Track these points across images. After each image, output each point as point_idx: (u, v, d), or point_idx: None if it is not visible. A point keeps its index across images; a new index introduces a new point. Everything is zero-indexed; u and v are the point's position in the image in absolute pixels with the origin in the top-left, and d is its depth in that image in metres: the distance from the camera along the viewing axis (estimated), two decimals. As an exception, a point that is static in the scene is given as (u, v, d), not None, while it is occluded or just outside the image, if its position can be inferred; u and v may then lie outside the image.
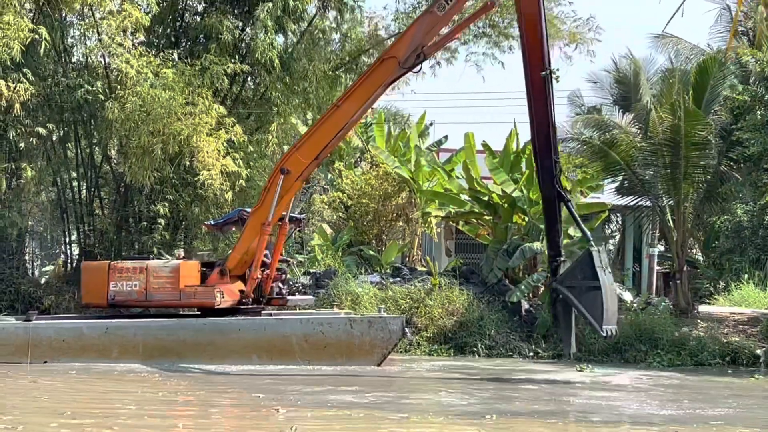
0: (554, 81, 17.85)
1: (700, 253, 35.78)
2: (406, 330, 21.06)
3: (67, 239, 29.12)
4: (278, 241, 21.29)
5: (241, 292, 20.97)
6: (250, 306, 21.21)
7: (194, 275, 20.95)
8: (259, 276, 21.01)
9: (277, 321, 20.81)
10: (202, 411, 14.47)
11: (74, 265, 27.98)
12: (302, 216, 24.34)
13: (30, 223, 28.86)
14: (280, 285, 21.61)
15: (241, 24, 26.78)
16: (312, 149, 20.15)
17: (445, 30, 19.89)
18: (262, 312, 21.51)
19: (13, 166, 25.80)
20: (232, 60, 25.68)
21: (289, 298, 21.55)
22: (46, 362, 19.45)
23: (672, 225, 26.94)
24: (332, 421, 13.22)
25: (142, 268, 21.03)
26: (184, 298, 20.71)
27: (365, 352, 20.45)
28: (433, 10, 18.07)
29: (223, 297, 20.56)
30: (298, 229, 23.86)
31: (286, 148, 30.53)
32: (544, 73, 17.78)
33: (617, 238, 39.03)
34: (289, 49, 27.43)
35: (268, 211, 20.14)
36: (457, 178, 29.25)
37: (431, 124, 36.81)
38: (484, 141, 29.69)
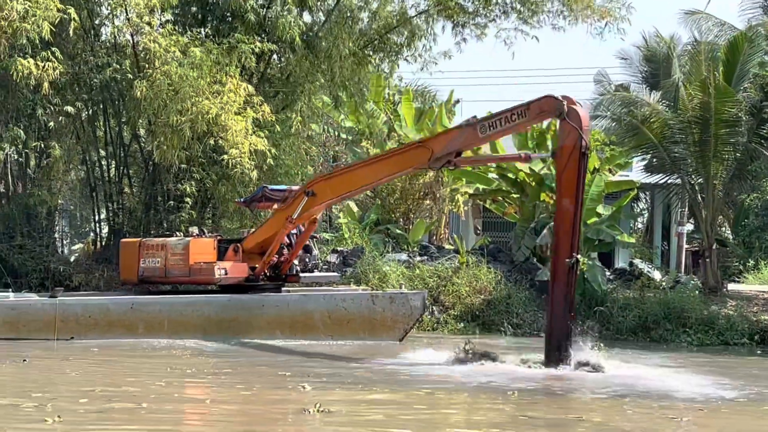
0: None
1: (729, 231, 35.74)
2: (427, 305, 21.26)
3: (97, 218, 29.29)
4: (306, 231, 21.42)
5: (252, 269, 21.22)
6: (270, 283, 21.44)
7: (208, 252, 21.15)
8: (275, 259, 21.26)
9: (301, 297, 21.02)
10: (228, 387, 14.62)
11: (103, 243, 28.19)
12: None
13: (60, 201, 28.97)
14: (306, 260, 21.88)
15: (265, 2, 26.80)
16: (340, 186, 20.40)
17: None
18: (284, 289, 21.72)
19: (43, 145, 25.97)
20: (259, 38, 25.77)
21: (303, 275, 21.72)
22: (72, 338, 19.68)
23: (701, 203, 26.92)
24: (358, 396, 13.35)
25: (163, 246, 21.35)
26: (193, 275, 20.95)
27: (387, 327, 20.64)
28: (475, 127, 18.01)
29: (225, 274, 20.75)
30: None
31: (314, 127, 30.68)
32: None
33: (646, 216, 38.99)
34: (314, 28, 27.47)
35: (294, 211, 20.29)
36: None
37: (458, 102, 36.77)
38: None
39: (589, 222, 26.06)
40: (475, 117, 18.13)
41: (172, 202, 26.02)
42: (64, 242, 33.88)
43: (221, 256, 21.19)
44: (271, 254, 21.10)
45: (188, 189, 25.39)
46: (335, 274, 23.75)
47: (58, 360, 16.98)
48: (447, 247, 28.75)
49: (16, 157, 25.40)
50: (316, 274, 22.28)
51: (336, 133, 34.16)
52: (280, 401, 12.64)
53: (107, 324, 19.90)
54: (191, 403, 12.90)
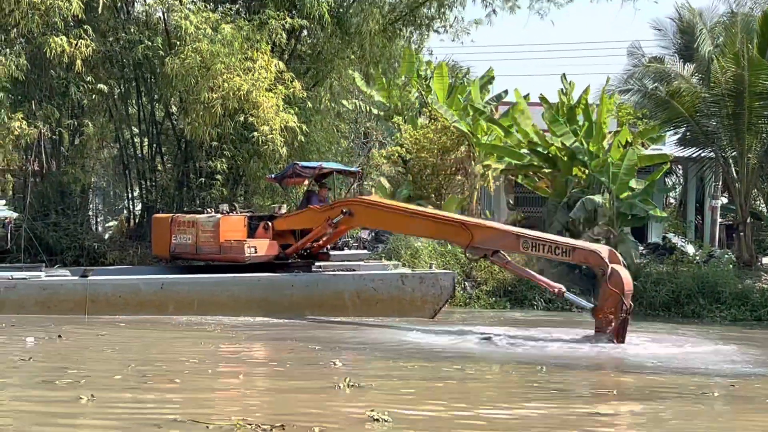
0: None
1: (764, 205, 35.39)
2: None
3: (130, 195, 29.46)
4: (341, 231, 21.41)
5: (283, 247, 21.26)
6: (300, 261, 21.46)
7: (239, 229, 21.17)
8: (309, 246, 21.35)
9: (330, 277, 20.93)
10: (260, 364, 14.68)
11: (137, 220, 28.33)
12: (357, 168, 24.45)
13: (93, 179, 29.12)
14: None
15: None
16: (377, 220, 20.79)
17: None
18: (313, 267, 21.76)
19: (76, 123, 26.08)
20: (289, 14, 25.72)
21: (333, 253, 21.70)
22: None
23: (735, 176, 26.69)
24: (389, 371, 13.35)
25: (194, 222, 21.39)
26: (222, 252, 20.98)
27: (417, 308, 20.59)
28: (519, 237, 18.06)
29: (255, 252, 20.76)
30: (355, 181, 24.05)
31: (345, 103, 30.62)
32: None
33: (679, 190, 38.73)
34: (344, 4, 27.38)
35: (336, 217, 20.32)
36: (515, 132, 29.12)
37: (493, 79, 36.59)
38: (541, 94, 29.59)
39: (621, 196, 25.95)
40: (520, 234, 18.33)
41: (203, 179, 26.09)
42: (98, 219, 34.09)
43: (252, 233, 21.20)
44: (306, 243, 21.20)
45: (219, 166, 25.43)
46: (365, 251, 23.70)
47: (92, 337, 17.07)
48: (485, 218, 28.60)
49: (49, 136, 25.49)
50: (346, 251, 22.23)
51: (367, 109, 34.07)
52: (312, 377, 12.65)
53: (137, 304, 19.91)
54: (224, 379, 12.92)
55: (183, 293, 20.18)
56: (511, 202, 33.32)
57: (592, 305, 17.46)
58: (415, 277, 20.97)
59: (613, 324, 16.69)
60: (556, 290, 18.15)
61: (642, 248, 27.80)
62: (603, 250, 17.31)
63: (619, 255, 17.45)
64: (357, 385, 11.46)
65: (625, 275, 16.89)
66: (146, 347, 15.80)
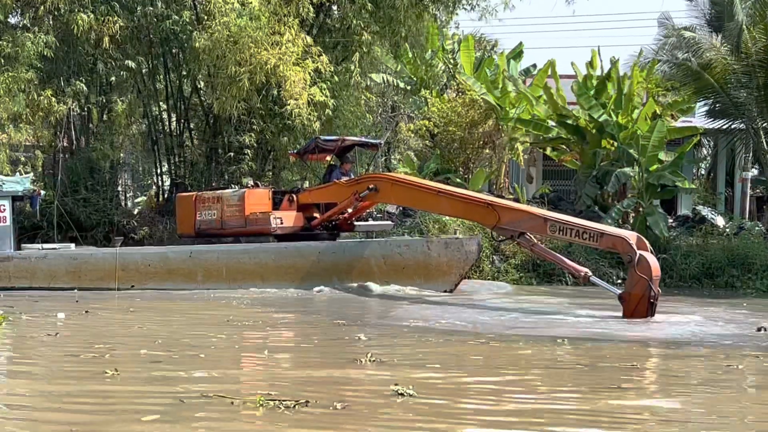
0: None
1: (795, 177, 34.97)
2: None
3: (159, 170, 29.48)
4: (368, 204, 21.38)
5: (308, 219, 21.26)
6: (325, 233, 21.55)
7: (264, 203, 21.23)
8: (334, 219, 21.36)
9: (357, 244, 21.08)
10: (285, 339, 14.59)
11: (166, 196, 28.35)
12: (378, 141, 24.34)
13: (122, 155, 29.22)
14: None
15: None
16: (402, 197, 20.68)
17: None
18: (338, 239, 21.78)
19: (104, 100, 26.10)
20: (318, -12, 25.56)
21: (357, 224, 21.78)
22: (133, 287, 19.82)
23: (766, 148, 26.34)
24: (412, 346, 13.23)
25: (218, 198, 21.52)
26: (249, 225, 21.08)
27: (442, 272, 20.55)
28: (547, 221, 17.85)
29: (281, 223, 20.81)
30: (376, 153, 24.07)
31: (373, 77, 30.43)
32: None
33: (709, 162, 38.33)
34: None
35: (362, 191, 20.23)
36: (543, 103, 28.85)
37: (521, 54, 36.26)
38: (572, 62, 29.28)
39: (651, 169, 25.67)
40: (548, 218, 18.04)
41: (232, 153, 26.05)
42: (127, 195, 34.18)
43: (276, 206, 21.23)
44: (332, 215, 21.24)
45: (248, 140, 25.38)
46: (389, 222, 23.77)
47: (119, 311, 17.08)
48: (507, 196, 28.43)
49: (78, 112, 25.50)
50: (371, 222, 22.31)
51: (395, 83, 33.88)
52: (336, 353, 12.55)
53: (166, 272, 20.08)
54: (249, 354, 12.85)
55: (211, 261, 20.37)
56: (533, 175, 33.03)
57: (619, 291, 17.27)
58: (441, 242, 21.00)
59: (639, 308, 16.54)
60: (581, 274, 18.01)
61: (671, 220, 27.50)
62: (631, 236, 17.14)
63: (646, 241, 17.24)
64: (379, 360, 11.31)
65: (653, 261, 16.71)
66: (173, 322, 15.76)
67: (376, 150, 23.72)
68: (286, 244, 20.75)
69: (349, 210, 21.19)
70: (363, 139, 24.12)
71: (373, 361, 11.25)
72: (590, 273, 18.07)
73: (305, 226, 21.32)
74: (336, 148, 22.06)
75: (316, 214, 21.48)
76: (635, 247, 16.70)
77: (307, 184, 22.50)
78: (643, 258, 16.59)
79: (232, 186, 22.22)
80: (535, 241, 18.94)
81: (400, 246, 20.87)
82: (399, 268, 20.52)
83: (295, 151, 23.31)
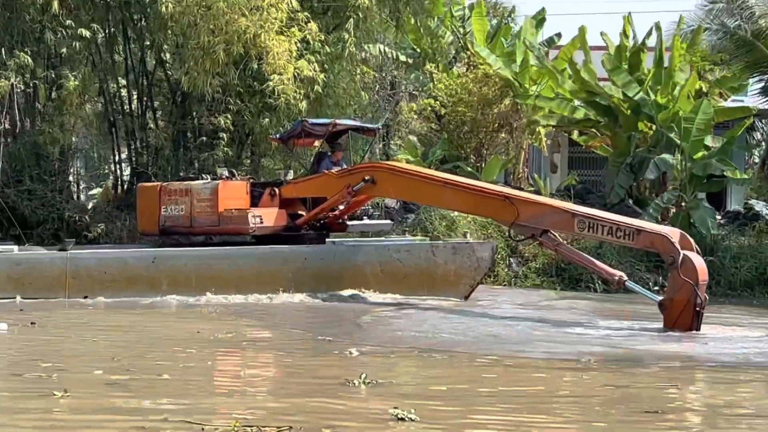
0: None
1: None
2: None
3: (117, 158, 29.36)
4: (363, 199, 21.28)
5: (292, 216, 21.15)
6: (313, 233, 21.43)
7: (240, 197, 21.12)
8: (323, 216, 21.26)
9: (349, 248, 20.93)
10: (265, 354, 14.52)
11: (125, 187, 28.27)
12: (376, 126, 24.27)
13: (74, 139, 29.10)
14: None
15: None
16: (404, 190, 20.64)
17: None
18: (327, 239, 21.71)
19: (54, 75, 25.99)
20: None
21: (350, 223, 21.63)
22: (86, 297, 19.69)
23: (830, 132, 26.32)
24: (414, 365, 13.18)
25: (187, 190, 21.33)
26: (222, 224, 20.92)
27: (449, 283, 20.49)
28: (574, 216, 17.82)
29: (260, 222, 20.68)
30: (373, 139, 24.01)
31: (368, 48, 30.35)
32: None
33: (764, 148, 38.26)
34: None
35: (357, 184, 20.14)
36: (569, 79, 28.78)
37: (544, 20, 36.18)
38: (602, 32, 29.15)
39: (695, 156, 25.62)
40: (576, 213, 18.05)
41: (204, 138, 25.98)
42: (80, 187, 34.06)
43: (255, 201, 21.13)
44: (320, 213, 21.10)
45: (223, 122, 25.31)
46: (387, 221, 23.68)
47: (72, 323, 17.00)
48: (527, 188, 28.41)
49: (23, 89, 25.41)
50: (366, 222, 22.15)
51: (395, 55, 33.82)
52: (323, 370, 12.50)
53: (126, 280, 19.91)
54: (223, 373, 12.81)
55: (179, 268, 20.19)
56: (557, 164, 33.00)
57: (660, 298, 17.21)
58: (448, 248, 20.91)
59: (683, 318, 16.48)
60: (616, 278, 17.97)
61: (719, 217, 27.46)
62: (673, 233, 17.08)
63: (691, 239, 17.19)
64: (374, 382, 11.25)
65: (699, 263, 16.68)
66: (133, 335, 15.67)
67: (374, 136, 23.66)
68: (267, 248, 20.61)
69: (341, 206, 21.09)
70: (358, 123, 24.03)
71: (368, 383, 11.17)
72: (625, 277, 18.01)
73: (289, 226, 21.18)
74: (326, 133, 21.96)
75: (302, 211, 21.33)
76: (678, 246, 16.63)
77: (291, 176, 22.29)
78: (688, 259, 16.52)
79: (204, 176, 22.05)
80: (561, 240, 18.88)
81: (400, 251, 20.75)
82: (398, 278, 20.43)
83: (277, 136, 23.18)
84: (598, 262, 18.91)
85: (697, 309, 16.41)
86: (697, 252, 17.03)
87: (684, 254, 16.54)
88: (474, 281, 20.71)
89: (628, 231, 17.33)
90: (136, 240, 23.99)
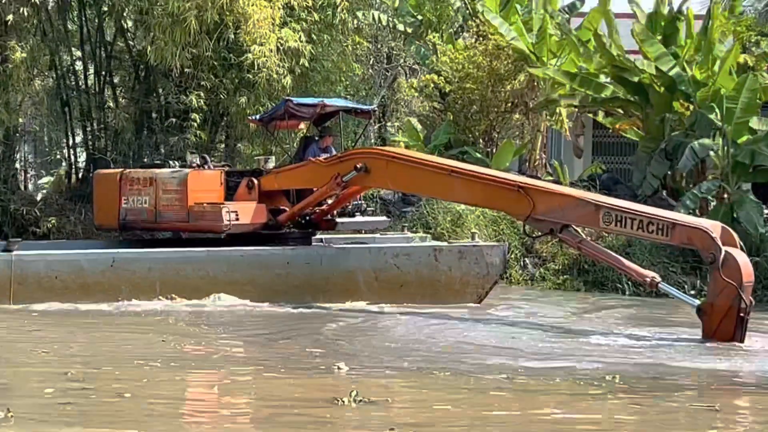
0: None
1: None
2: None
3: (71, 142, 29.37)
4: (355, 191, 21.26)
5: (273, 212, 21.15)
6: (297, 231, 21.46)
7: (213, 188, 21.15)
8: (309, 211, 21.28)
9: (338, 251, 20.87)
10: (241, 368, 14.58)
11: (81, 175, 28.30)
12: (371, 107, 24.29)
13: (21, 120, 29.11)
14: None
15: None
16: (402, 179, 20.56)
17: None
18: (314, 238, 21.74)
19: (-3, 46, 26.04)
20: None
21: (340, 221, 21.57)
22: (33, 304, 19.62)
23: None
24: (411, 381, 13.29)
25: (152, 180, 21.31)
26: (192, 220, 20.93)
27: (454, 291, 20.60)
28: (599, 208, 17.85)
29: (236, 219, 20.64)
30: (368, 122, 24.00)
31: (362, 15, 30.38)
32: None
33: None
34: None
35: (347, 173, 20.16)
36: (594, 52, 28.77)
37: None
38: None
39: (739, 141, 25.63)
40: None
41: (173, 119, 25.99)
42: (28, 175, 34.13)
43: (230, 194, 21.11)
44: (306, 208, 21.09)
45: (195, 101, 25.32)
46: (383, 218, 23.52)
47: (19, 333, 17.03)
48: (545, 177, 28.47)
49: (-39, 62, 25.45)
50: (359, 219, 22.04)
51: (392, 24, 33.84)
52: (309, 389, 12.58)
53: (80, 287, 19.83)
54: (192, 391, 12.86)
55: (141, 273, 20.11)
56: (581, 148, 33.04)
57: (698, 302, 17.28)
58: (453, 252, 20.93)
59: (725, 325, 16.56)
60: (647, 280, 18.02)
61: (767, 211, 27.51)
62: (713, 227, 17.12)
63: (734, 234, 17.22)
64: (366, 400, 11.35)
65: (744, 261, 16.73)
66: (91, 345, 15.75)
67: (368, 118, 23.63)
68: (243, 250, 20.58)
69: (329, 200, 21.11)
70: (350, 104, 24.03)
71: (360, 401, 11.26)
72: (658, 278, 18.05)
73: (269, 223, 21.20)
74: (313, 115, 21.99)
75: (285, 206, 21.34)
76: (719, 243, 16.66)
77: (272, 163, 22.26)
78: (731, 257, 16.56)
79: (172, 163, 21.98)
80: (583, 236, 18.93)
81: (398, 256, 20.75)
82: (395, 285, 20.51)
83: (257, 117, 23.12)
84: (626, 262, 18.96)
85: (741, 315, 16.46)
86: (741, 249, 17.07)
87: (726, 251, 16.57)
88: (482, 290, 20.79)
89: (661, 225, 17.35)
90: (92, 236, 24.03)
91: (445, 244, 21.91)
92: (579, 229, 18.79)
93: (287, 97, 22.66)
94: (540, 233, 19.54)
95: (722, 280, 16.49)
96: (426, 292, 20.48)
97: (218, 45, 25.20)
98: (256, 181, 21.18)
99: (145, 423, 10.75)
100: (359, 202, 22.44)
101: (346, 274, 20.52)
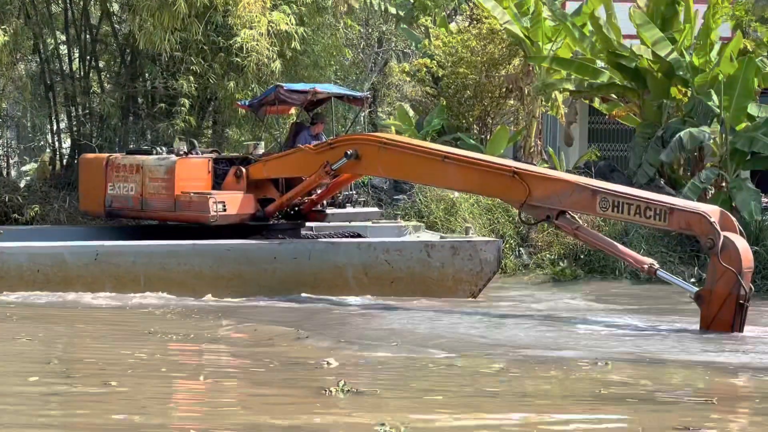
0: None
1: None
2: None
3: (55, 127, 29.33)
4: (345, 179, 21.20)
5: (262, 202, 21.10)
6: (286, 222, 21.45)
7: (201, 177, 21.16)
8: (298, 201, 21.22)
9: (327, 246, 20.80)
10: (228, 361, 14.60)
11: (65, 162, 28.27)
12: (365, 93, 24.24)
13: (4, 105, 29.12)
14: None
15: None
16: (394, 166, 20.39)
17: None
18: (303, 229, 21.72)
19: (-23, 29, 25.97)
20: None
21: (330, 211, 21.54)
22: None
23: None
24: (402, 371, 13.32)
25: (139, 167, 21.33)
26: (179, 209, 20.94)
27: (446, 289, 20.56)
28: (596, 194, 17.80)
29: (223, 210, 20.61)
30: (361, 109, 23.92)
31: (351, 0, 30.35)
32: None
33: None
34: None
35: (336, 161, 20.07)
36: (590, 36, 28.75)
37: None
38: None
39: (738, 128, 25.64)
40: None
41: (162, 105, 25.95)
42: (11, 161, 34.05)
43: (218, 182, 21.08)
44: (294, 198, 21.03)
45: (186, 86, 25.26)
46: (375, 209, 23.46)
47: (7, 322, 17.04)
48: (539, 164, 28.46)
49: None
50: (349, 210, 21.98)
51: (383, 6, 33.83)
52: (296, 381, 12.57)
53: (62, 280, 19.81)
54: (179, 380, 12.87)
55: (125, 267, 20.06)
56: (573, 136, 33.06)
57: (696, 288, 17.29)
58: (446, 247, 20.84)
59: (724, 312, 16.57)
60: (645, 267, 18.01)
61: (767, 200, 27.53)
62: (712, 211, 17.08)
63: (734, 219, 17.23)
64: (355, 390, 11.36)
65: (743, 247, 16.72)
66: (74, 335, 15.75)
67: (362, 105, 23.55)
68: (230, 244, 20.53)
69: (319, 190, 21.05)
70: (343, 90, 23.92)
71: (348, 391, 11.26)
72: (657, 265, 18.04)
73: (257, 214, 21.17)
74: (304, 101, 21.95)
75: (275, 196, 21.29)
76: (718, 227, 16.64)
77: (262, 149, 22.20)
78: (730, 242, 16.57)
79: (158, 149, 21.92)
80: (580, 222, 18.91)
81: (389, 251, 20.68)
82: (385, 282, 20.51)
83: (247, 103, 23.07)
84: (624, 248, 18.97)
85: (741, 302, 16.48)
86: (741, 234, 17.05)
87: (725, 237, 16.57)
88: (475, 287, 20.75)
89: (659, 210, 17.32)
90: (77, 223, 24.00)
91: (437, 239, 21.67)
92: (575, 215, 18.78)
93: (278, 83, 22.60)
94: (536, 220, 19.49)
95: (721, 266, 16.50)
96: (417, 289, 20.47)
97: (206, 29, 25.13)
98: (244, 170, 21.12)
99: (130, 400, 10.87)
100: (350, 192, 22.35)
101: (335, 269, 20.47)
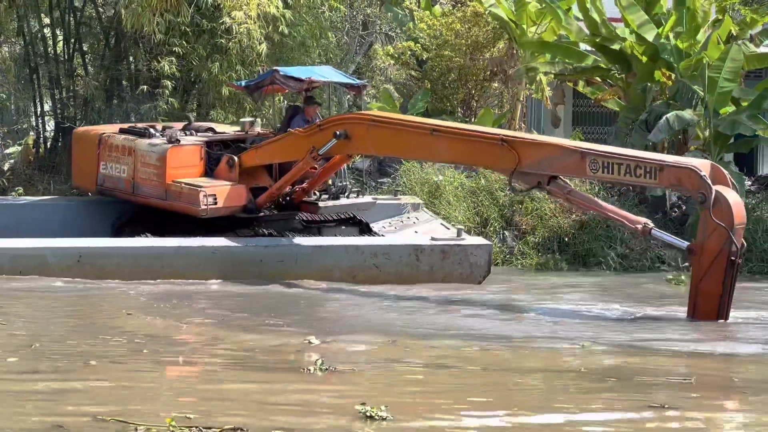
0: None
1: None
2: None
3: (39, 110, 29.36)
4: (335, 163, 21.09)
5: (254, 192, 20.91)
6: (276, 214, 21.35)
7: (192, 164, 20.98)
8: (288, 190, 21.13)
9: (315, 249, 20.51)
10: (209, 342, 14.67)
11: (49, 145, 28.28)
12: (363, 81, 24.19)
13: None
14: (329, 181, 21.60)
15: None
16: (384, 143, 20.13)
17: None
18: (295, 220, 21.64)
19: (-40, 11, 25.98)
20: None
21: (323, 204, 21.34)
22: None
23: None
24: (380, 352, 13.48)
25: (131, 150, 21.19)
26: (170, 198, 20.74)
27: None
28: (585, 156, 17.63)
29: (213, 203, 20.43)
30: (357, 97, 23.91)
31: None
32: None
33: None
34: None
35: (323, 144, 19.89)
36: (576, 19, 28.78)
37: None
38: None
39: (721, 111, 25.70)
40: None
41: (145, 87, 25.95)
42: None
43: (210, 168, 20.99)
44: (284, 187, 20.88)
45: (168, 68, 25.26)
46: (370, 199, 23.02)
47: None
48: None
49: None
50: (343, 201, 21.80)
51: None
52: (279, 362, 12.64)
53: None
54: (157, 359, 12.93)
55: (109, 268, 19.77)
56: (560, 117, 33.07)
57: (687, 243, 17.22)
58: (435, 251, 20.48)
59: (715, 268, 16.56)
60: (639, 227, 17.76)
61: (750, 183, 27.62)
62: (703, 165, 16.85)
63: (726, 173, 17.04)
64: (332, 368, 11.43)
65: (735, 201, 16.55)
66: (53, 318, 15.81)
67: (359, 93, 23.38)
68: (215, 248, 20.17)
69: (310, 176, 20.94)
70: (341, 77, 23.76)
71: (326, 369, 11.31)
72: (651, 224, 17.80)
73: (248, 206, 20.98)
74: (300, 89, 21.73)
75: (266, 183, 21.16)
76: (709, 181, 16.46)
77: (259, 128, 21.99)
78: (722, 197, 16.38)
79: (152, 130, 21.60)
80: (571, 186, 18.82)
81: (377, 255, 20.35)
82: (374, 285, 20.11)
83: (242, 83, 22.83)
84: (618, 209, 18.78)
85: (732, 258, 16.38)
86: (734, 188, 16.92)
87: (717, 191, 16.37)
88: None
89: (648, 168, 17.12)
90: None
91: (427, 243, 21.00)
92: (566, 179, 18.71)
93: (275, 68, 22.30)
94: (527, 188, 19.32)
95: (713, 222, 16.32)
96: None
97: (194, 10, 25.13)
98: (236, 159, 20.82)
99: (108, 380, 10.98)
100: (344, 183, 22.10)
101: (323, 272, 20.18)
